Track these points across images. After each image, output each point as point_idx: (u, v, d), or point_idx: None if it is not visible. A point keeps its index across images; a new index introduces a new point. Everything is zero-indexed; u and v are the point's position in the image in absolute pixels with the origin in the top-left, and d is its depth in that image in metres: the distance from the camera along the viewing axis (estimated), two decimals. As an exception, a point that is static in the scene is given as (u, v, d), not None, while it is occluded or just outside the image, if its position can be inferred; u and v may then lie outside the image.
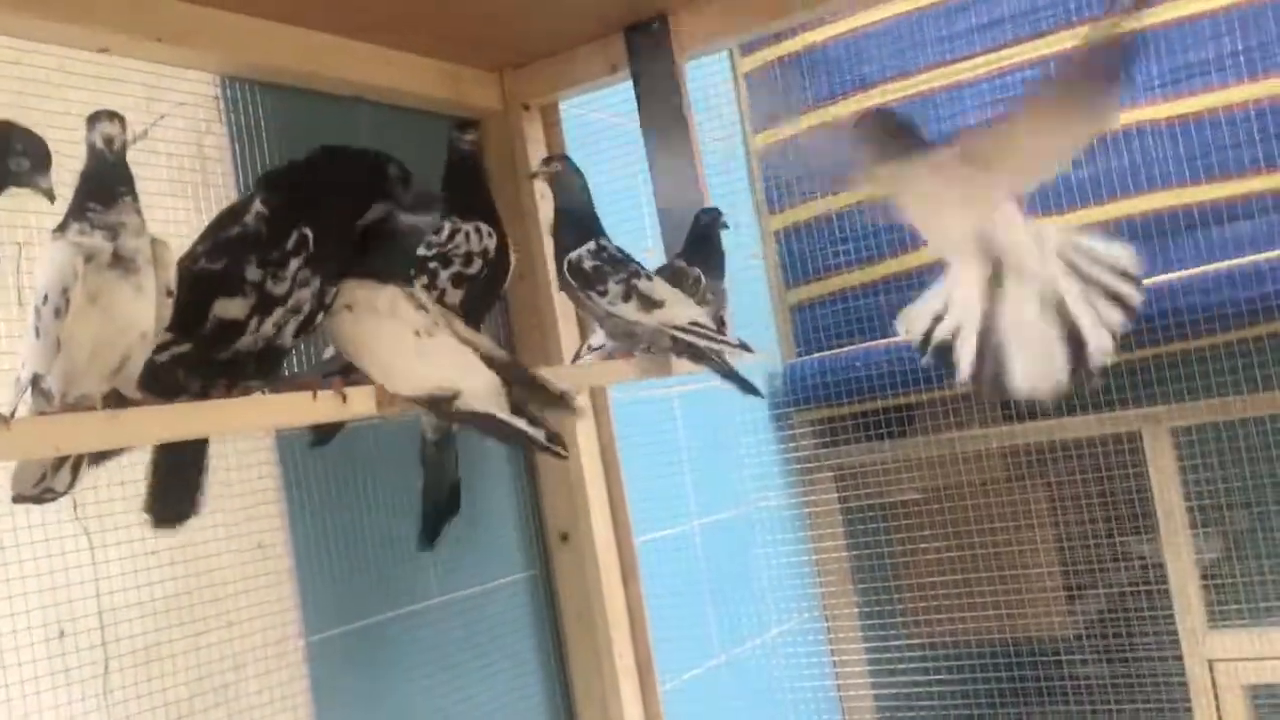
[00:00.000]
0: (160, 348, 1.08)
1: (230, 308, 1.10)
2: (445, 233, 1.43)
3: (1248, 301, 2.14)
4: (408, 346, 1.17)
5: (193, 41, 1.36)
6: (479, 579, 1.77)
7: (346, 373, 1.21)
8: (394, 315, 1.18)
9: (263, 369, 1.16)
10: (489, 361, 1.19)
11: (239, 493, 1.42)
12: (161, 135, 1.42)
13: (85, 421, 0.93)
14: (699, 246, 1.69)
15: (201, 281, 1.10)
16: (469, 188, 1.49)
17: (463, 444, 1.74)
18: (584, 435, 1.83)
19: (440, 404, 1.16)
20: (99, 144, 1.01)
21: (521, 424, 1.15)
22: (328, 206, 1.15)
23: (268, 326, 1.12)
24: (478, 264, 1.43)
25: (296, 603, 1.47)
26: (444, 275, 1.42)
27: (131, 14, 1.30)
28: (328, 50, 1.53)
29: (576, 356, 1.72)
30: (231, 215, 1.15)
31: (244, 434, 1.41)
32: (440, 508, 1.55)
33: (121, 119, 1.01)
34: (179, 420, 1.00)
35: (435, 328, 1.19)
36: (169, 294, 1.03)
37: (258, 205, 1.14)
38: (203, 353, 1.10)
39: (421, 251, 1.41)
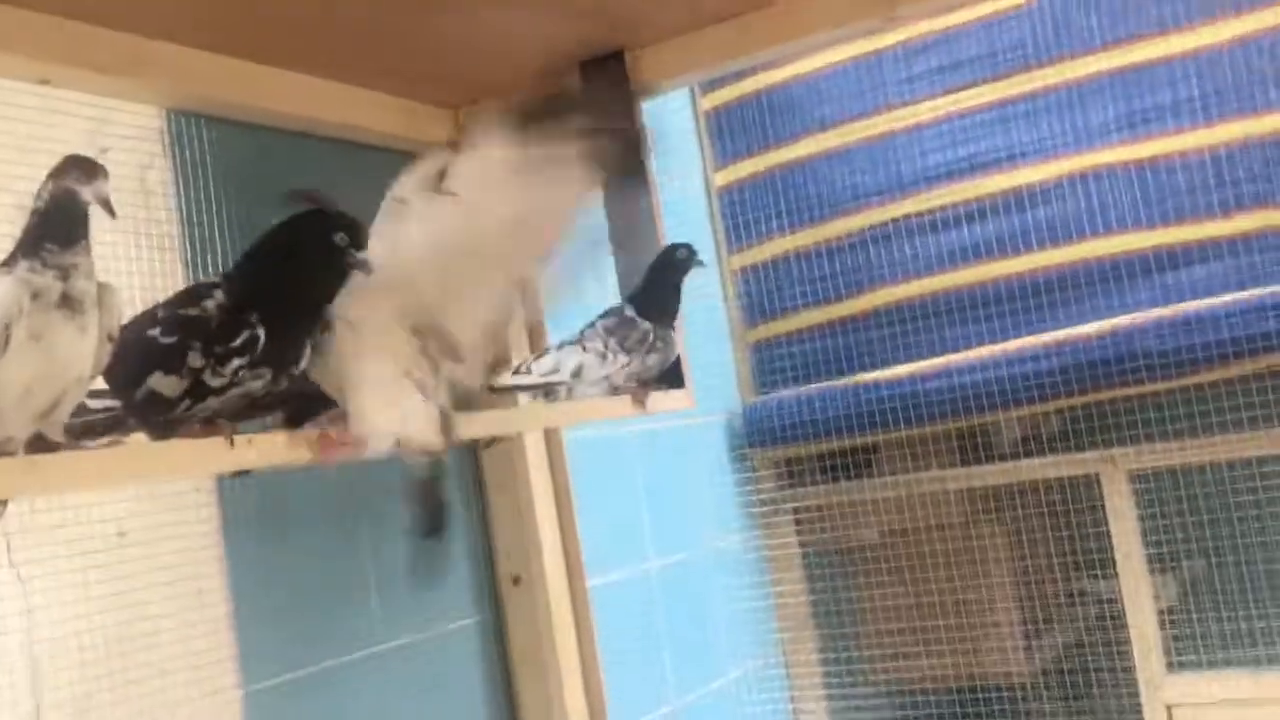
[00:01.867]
0: (95, 393, 1.07)
1: (165, 384, 1.09)
2: None
3: (1204, 346, 2.14)
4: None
5: (137, 74, 1.33)
6: (427, 624, 1.73)
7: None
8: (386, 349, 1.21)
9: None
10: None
11: (176, 535, 1.38)
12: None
13: (5, 466, 0.90)
14: (658, 286, 1.67)
15: (148, 350, 1.10)
16: None
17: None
18: (537, 476, 1.80)
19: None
20: (85, 196, 0.98)
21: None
22: (285, 300, 1.15)
23: (200, 409, 1.12)
24: None
25: (234, 651, 1.42)
26: None
27: (73, 45, 1.27)
28: (277, 84, 1.50)
29: (516, 371, 1.68)
30: (194, 295, 1.15)
31: (178, 479, 1.37)
32: (435, 535, 1.50)
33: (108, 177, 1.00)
34: (100, 469, 0.96)
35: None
36: (110, 339, 1.02)
37: (219, 294, 1.13)
38: (134, 416, 1.11)
39: None
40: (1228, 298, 2.16)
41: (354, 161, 1.67)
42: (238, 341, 1.11)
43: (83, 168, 0.99)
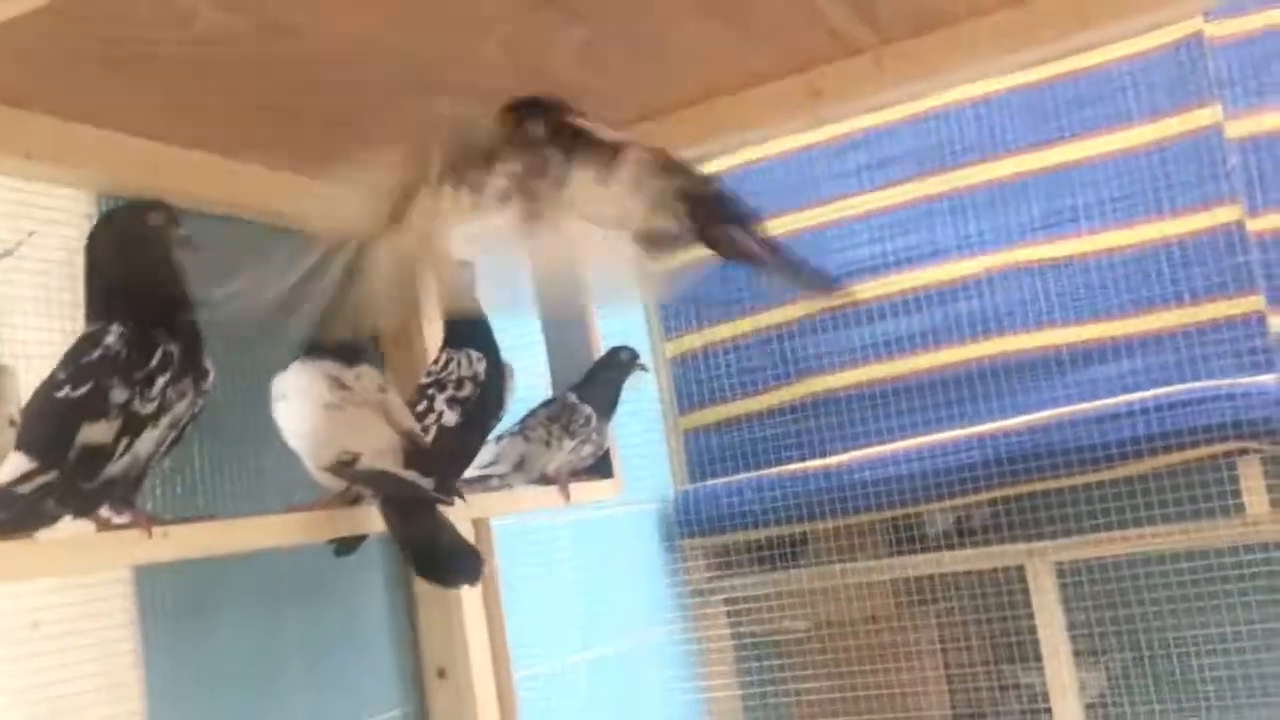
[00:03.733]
0: (24, 478, 1.03)
1: (95, 432, 1.07)
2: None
3: (1119, 443, 2.19)
4: (317, 419, 1.30)
5: (65, 159, 1.32)
6: (352, 716, 1.69)
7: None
8: (306, 394, 1.32)
9: (131, 493, 1.13)
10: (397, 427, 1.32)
11: (92, 628, 1.34)
12: (30, 253, 1.37)
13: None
14: (600, 383, 1.69)
15: (64, 408, 1.07)
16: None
17: (336, 573, 1.68)
18: (465, 565, 1.78)
19: (344, 468, 1.27)
20: None
21: (413, 476, 1.27)
22: (157, 303, 1.17)
23: (140, 447, 1.10)
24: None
25: (149, 747, 1.38)
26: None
27: (0, 129, 1.26)
28: (207, 170, 1.50)
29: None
30: (90, 341, 1.13)
31: (93, 573, 1.34)
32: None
33: None
34: (12, 562, 0.94)
35: (345, 401, 1.32)
36: (11, 424, 0.99)
37: (116, 327, 1.13)
38: (70, 481, 1.06)
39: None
40: (1145, 394, 2.21)
41: (291, 245, 1.66)
42: (154, 361, 1.12)
43: None
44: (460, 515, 1.68)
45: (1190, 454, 2.15)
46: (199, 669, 1.47)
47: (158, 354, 1.12)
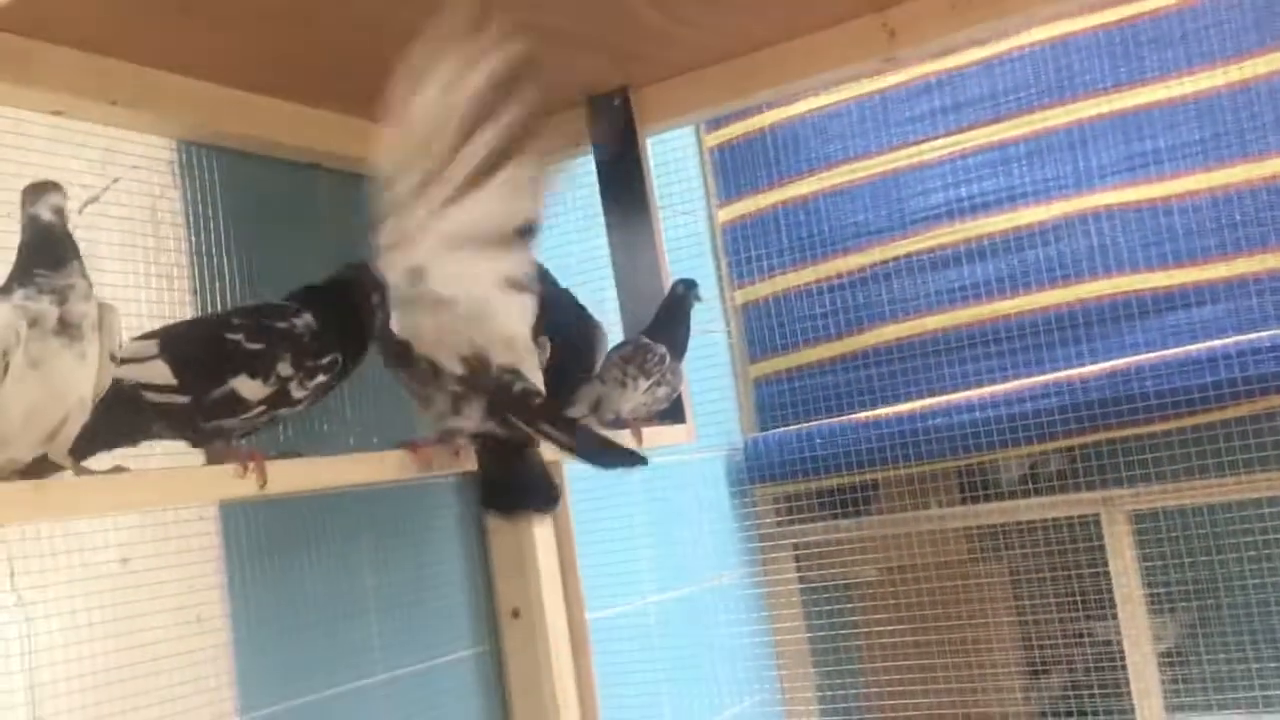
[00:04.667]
0: (159, 388, 1.10)
1: (249, 388, 1.14)
2: None
3: (1200, 388, 2.15)
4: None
5: (148, 106, 1.35)
6: (426, 655, 1.73)
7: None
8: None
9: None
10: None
11: (179, 564, 1.38)
12: (115, 199, 1.40)
13: (11, 492, 0.90)
14: (668, 322, 1.69)
15: (231, 352, 1.14)
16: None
17: (412, 514, 1.71)
18: (539, 508, 1.80)
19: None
20: (46, 215, 1.00)
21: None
22: (347, 338, 1.24)
23: (261, 419, 1.17)
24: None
25: (233, 678, 1.43)
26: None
27: (86, 77, 1.28)
28: (284, 116, 1.52)
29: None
30: (280, 312, 1.20)
31: (181, 506, 1.38)
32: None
33: (62, 188, 1.01)
34: (108, 494, 0.97)
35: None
36: (112, 359, 1.03)
37: (308, 317, 1.20)
38: (193, 415, 1.13)
39: None
40: (1228, 340, 2.17)
41: (360, 192, 1.69)
42: (325, 360, 1.20)
43: (33, 190, 1.01)
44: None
45: (1271, 400, 2.11)
46: (280, 605, 1.51)
47: (329, 357, 1.20)
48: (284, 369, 1.15)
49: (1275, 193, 2.21)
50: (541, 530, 1.81)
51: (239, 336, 1.15)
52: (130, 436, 1.15)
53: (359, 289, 1.27)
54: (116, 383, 1.08)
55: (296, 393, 1.17)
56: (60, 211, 1.01)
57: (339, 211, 1.65)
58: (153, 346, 1.13)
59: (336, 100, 1.57)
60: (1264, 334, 2.15)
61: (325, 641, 1.57)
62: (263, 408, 1.15)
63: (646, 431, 1.68)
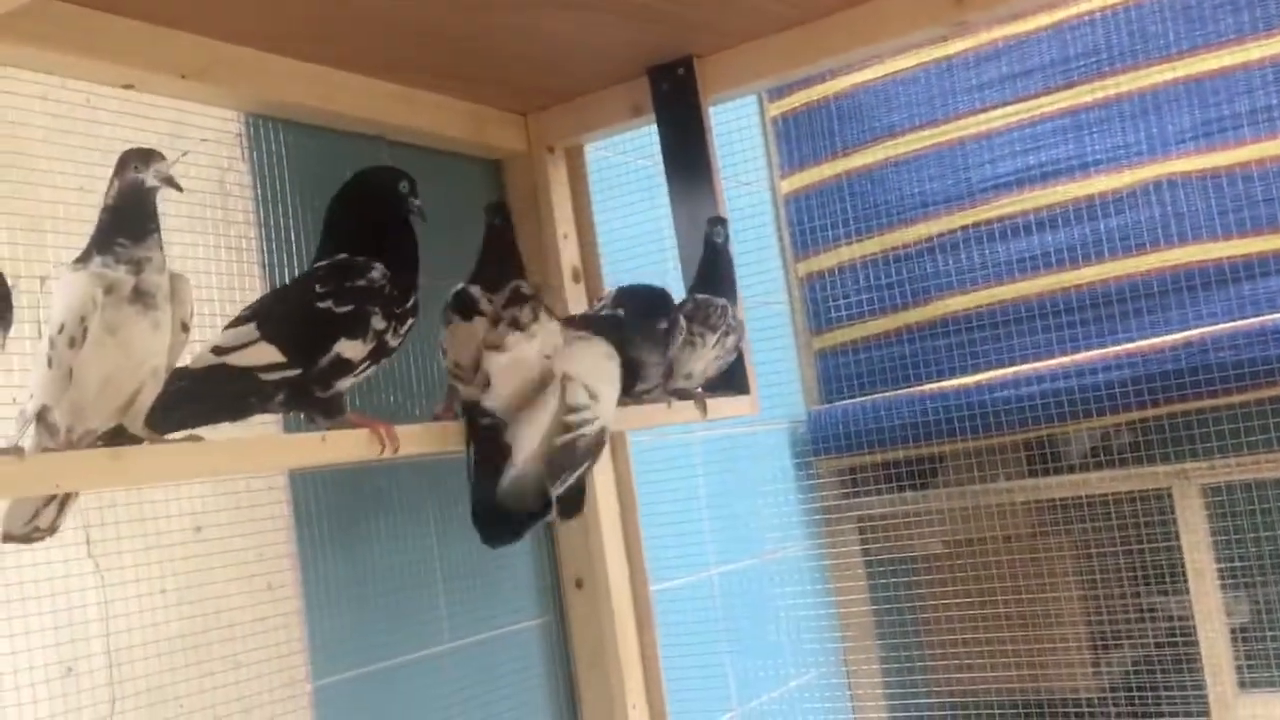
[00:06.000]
0: (271, 367, 1.15)
1: (351, 349, 1.20)
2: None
3: (1275, 359, 2.10)
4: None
5: (216, 79, 1.36)
6: (492, 624, 1.74)
7: None
8: None
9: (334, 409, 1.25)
10: None
11: (250, 532, 1.41)
12: (184, 171, 1.41)
13: (89, 460, 0.92)
14: (711, 270, 1.66)
15: (327, 320, 1.20)
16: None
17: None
18: (602, 480, 1.81)
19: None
20: (150, 181, 1.01)
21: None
22: (404, 258, 1.29)
23: (368, 371, 1.24)
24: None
25: (305, 645, 1.45)
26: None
27: (156, 51, 1.30)
28: (350, 89, 1.53)
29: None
30: (354, 269, 1.24)
31: (255, 474, 1.40)
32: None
33: (166, 158, 1.03)
34: (184, 461, 0.98)
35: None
36: (184, 329, 1.04)
37: (380, 267, 1.24)
38: (308, 384, 1.19)
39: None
40: (1304, 310, 2.13)
41: (425, 165, 1.69)
42: (410, 303, 1.26)
43: (139, 156, 1.02)
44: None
45: (1349, 373, 2.06)
46: (350, 574, 1.53)
47: (412, 298, 1.26)
48: (378, 323, 1.21)
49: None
50: (606, 501, 1.82)
51: (329, 304, 1.20)
52: (237, 413, 1.19)
53: (389, 196, 1.30)
54: (222, 367, 1.13)
55: (393, 341, 1.24)
56: (170, 180, 1.02)
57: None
58: (253, 330, 1.17)
59: (401, 72, 1.57)
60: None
61: (394, 610, 1.59)
62: (367, 363, 1.22)
63: (711, 403, 1.67)
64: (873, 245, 2.59)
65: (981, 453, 2.48)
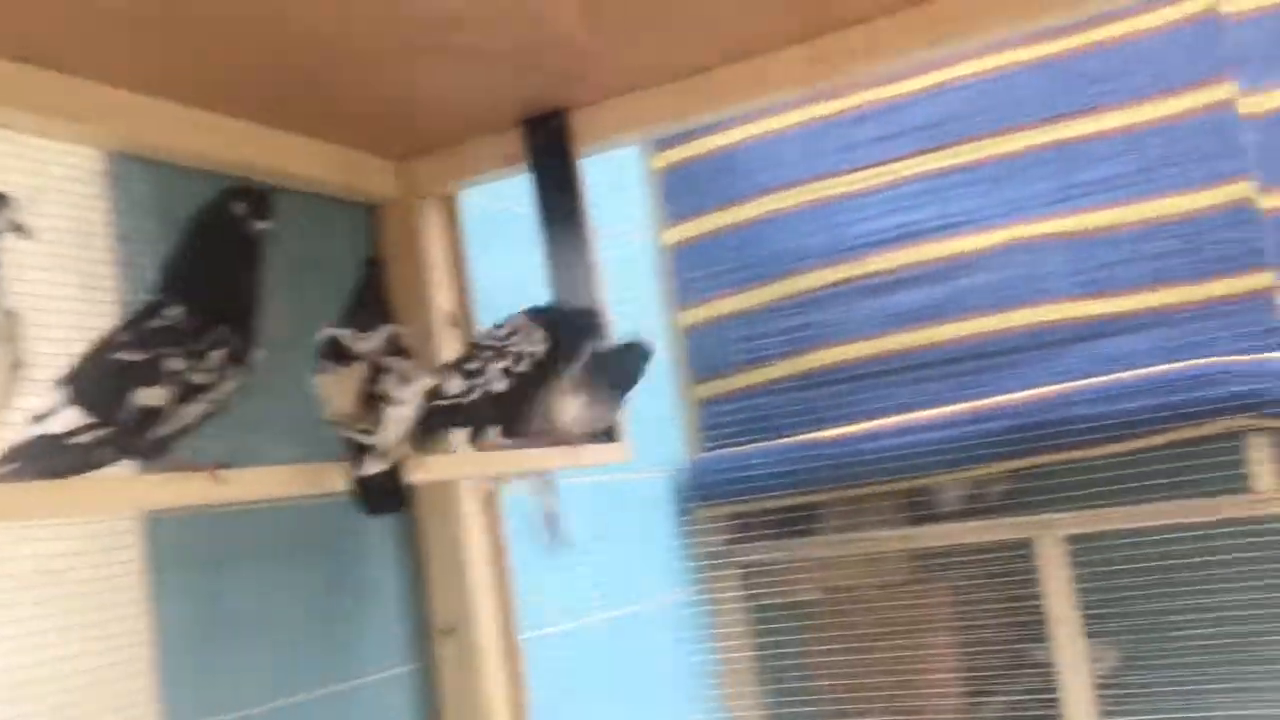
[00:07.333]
0: (80, 430, 1.11)
1: (151, 396, 1.14)
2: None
3: (1131, 413, 2.18)
4: None
5: (77, 117, 1.35)
6: (358, 671, 1.72)
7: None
8: None
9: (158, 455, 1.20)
10: None
11: (99, 576, 1.38)
12: (42, 209, 1.40)
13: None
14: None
15: (120, 371, 1.15)
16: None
17: (344, 528, 1.71)
18: (474, 525, 1.81)
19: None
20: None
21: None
22: (225, 294, 1.23)
23: (189, 414, 1.17)
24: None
25: (156, 694, 1.42)
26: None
27: (14, 86, 1.28)
28: (219, 131, 1.52)
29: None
30: (150, 310, 1.20)
31: (107, 515, 1.37)
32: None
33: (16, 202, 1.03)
34: (32, 503, 0.97)
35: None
36: (16, 366, 1.03)
37: (180, 302, 1.19)
38: (123, 436, 1.14)
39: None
40: (1156, 369, 2.21)
41: (295, 208, 1.69)
42: (212, 339, 1.19)
43: None
44: (473, 470, 1.71)
45: (1199, 429, 2.14)
46: (207, 620, 1.51)
47: (215, 332, 1.19)
48: (175, 364, 1.15)
49: (1203, 225, 2.25)
50: (478, 548, 1.81)
51: (123, 353, 1.16)
52: (76, 472, 1.14)
53: (210, 222, 1.25)
54: (41, 438, 1.09)
55: (198, 379, 1.17)
56: (19, 227, 1.01)
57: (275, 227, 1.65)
58: (61, 396, 1.14)
59: (270, 114, 1.57)
60: (1189, 364, 2.18)
61: (253, 657, 1.56)
62: (187, 405, 1.16)
63: (582, 450, 1.69)
64: (753, 297, 2.63)
65: (859, 501, 2.52)
